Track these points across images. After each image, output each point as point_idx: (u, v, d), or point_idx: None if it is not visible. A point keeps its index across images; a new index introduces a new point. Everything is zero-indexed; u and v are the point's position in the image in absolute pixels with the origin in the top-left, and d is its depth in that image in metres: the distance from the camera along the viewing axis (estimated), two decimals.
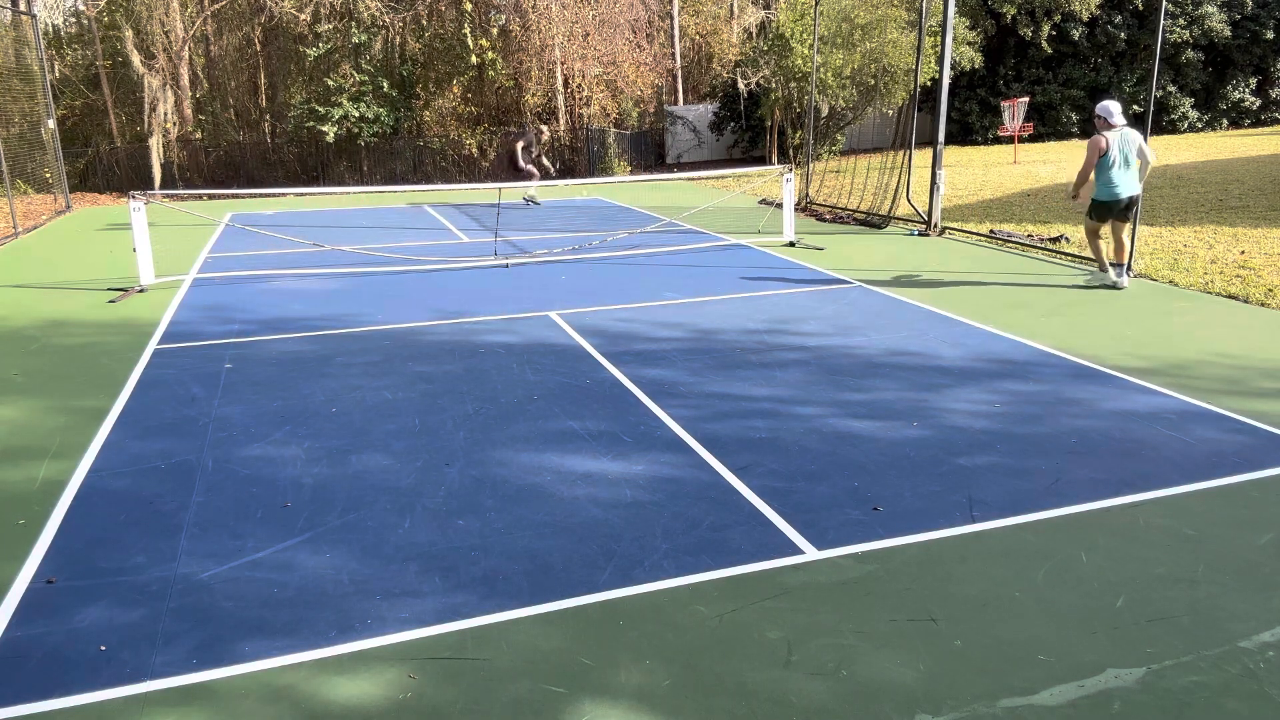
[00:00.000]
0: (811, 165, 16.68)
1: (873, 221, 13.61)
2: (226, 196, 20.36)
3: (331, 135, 23.14)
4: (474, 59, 24.58)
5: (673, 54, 28.70)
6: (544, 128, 19.31)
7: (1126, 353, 6.84)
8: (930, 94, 20.63)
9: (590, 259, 11.21)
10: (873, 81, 22.15)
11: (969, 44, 25.07)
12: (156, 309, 8.95)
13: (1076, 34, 28.38)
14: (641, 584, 3.77)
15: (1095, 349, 6.94)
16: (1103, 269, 8.91)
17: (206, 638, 3.45)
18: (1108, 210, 8.64)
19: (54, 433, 5.64)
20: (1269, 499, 4.44)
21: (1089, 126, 29.63)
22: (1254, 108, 31.20)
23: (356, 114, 23.40)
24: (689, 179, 21.20)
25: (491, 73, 25.17)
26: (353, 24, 24.37)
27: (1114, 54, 29.26)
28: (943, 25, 12.32)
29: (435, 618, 3.56)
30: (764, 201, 16.46)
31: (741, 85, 25.58)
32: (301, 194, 19.63)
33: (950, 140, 26.82)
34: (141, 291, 9.74)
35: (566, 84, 26.20)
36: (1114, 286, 8.84)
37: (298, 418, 5.77)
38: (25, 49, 17.17)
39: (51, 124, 17.57)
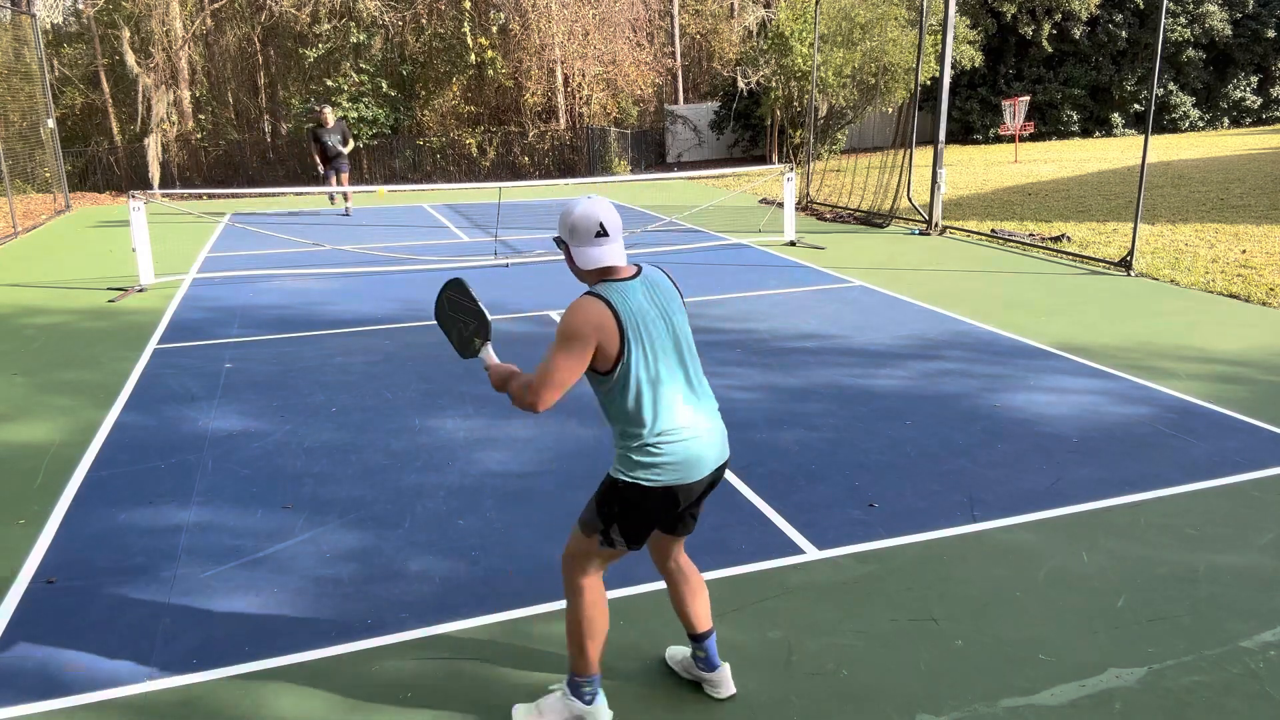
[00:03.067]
0: (812, 164, 16.67)
1: (873, 220, 13.61)
2: (226, 196, 20.36)
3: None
4: (473, 58, 24.57)
5: (673, 53, 28.69)
6: (325, 109, 15.42)
7: (1127, 352, 6.84)
8: (931, 93, 20.62)
9: None
10: (873, 80, 22.14)
11: (970, 43, 25.07)
12: (156, 308, 8.95)
13: (1077, 33, 28.37)
14: (642, 584, 3.76)
15: (1096, 348, 6.94)
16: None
17: (206, 638, 3.45)
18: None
19: (53, 432, 5.63)
20: (1270, 499, 4.43)
21: (1090, 125, 29.65)
22: (1255, 106, 31.19)
23: (355, 115, 23.39)
24: (689, 178, 21.19)
25: (491, 72, 25.16)
26: (352, 23, 24.36)
27: (1115, 53, 29.24)
28: (943, 24, 12.32)
29: (435, 617, 3.55)
30: (764, 200, 16.45)
31: (742, 84, 25.56)
32: (301, 193, 19.62)
33: (951, 139, 26.81)
34: (141, 291, 9.74)
35: (566, 83, 26.20)
36: None
37: (298, 418, 5.77)
38: (25, 48, 17.16)
39: (51, 123, 17.57)
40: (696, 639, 3.10)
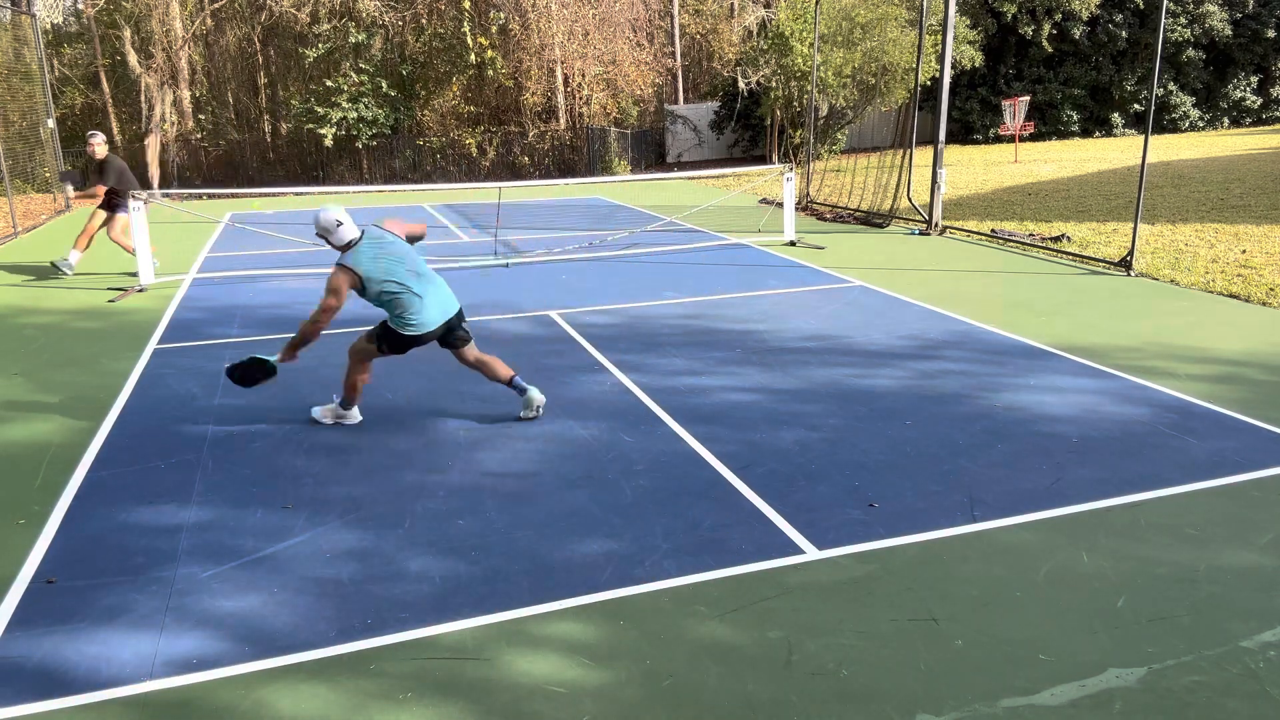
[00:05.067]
0: (812, 164, 16.67)
1: (873, 220, 13.61)
2: (226, 196, 20.36)
3: (330, 138, 23.14)
4: (473, 58, 24.57)
5: (673, 53, 28.69)
6: (95, 139, 10.30)
7: (1127, 352, 6.84)
8: (931, 93, 20.62)
9: (591, 258, 11.21)
10: (873, 80, 22.13)
11: (970, 43, 25.06)
12: (156, 308, 8.95)
13: (1077, 33, 28.37)
14: (642, 584, 3.77)
15: (1096, 348, 6.94)
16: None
17: (206, 638, 3.45)
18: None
19: (53, 433, 5.63)
20: (1269, 499, 4.43)
21: (1090, 125, 29.65)
22: (1255, 106, 31.20)
23: (355, 115, 23.38)
24: (689, 178, 21.20)
25: (491, 72, 25.16)
26: (352, 23, 24.35)
27: (1115, 53, 29.24)
28: (943, 24, 12.32)
29: (435, 617, 3.56)
30: (764, 200, 16.45)
31: (742, 84, 25.56)
32: (301, 193, 19.63)
33: (951, 139, 26.82)
34: (141, 291, 9.74)
35: (566, 83, 26.20)
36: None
37: (297, 418, 5.77)
38: (25, 48, 17.17)
39: (51, 123, 17.57)
40: (509, 384, 5.48)
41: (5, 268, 11.42)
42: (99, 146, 10.31)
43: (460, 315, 5.36)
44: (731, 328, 7.76)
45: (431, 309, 5.20)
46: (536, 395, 5.46)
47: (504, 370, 5.47)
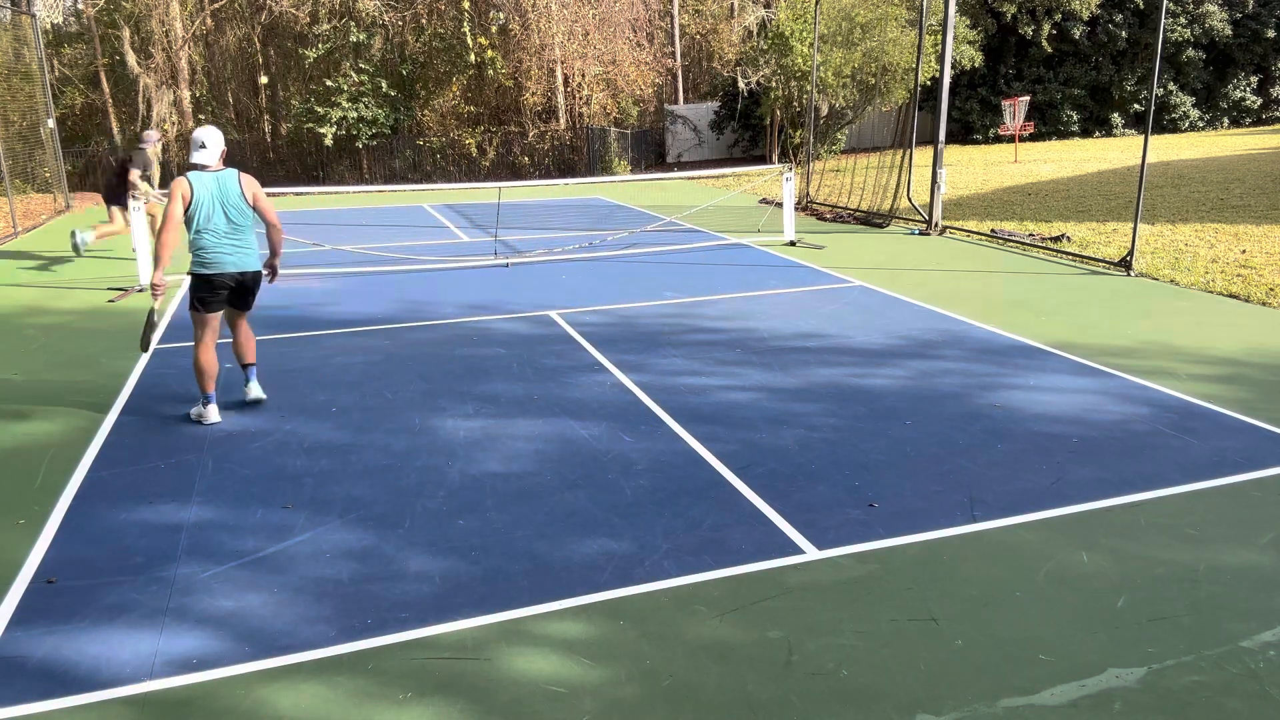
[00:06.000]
0: (812, 164, 16.67)
1: (873, 220, 13.61)
2: None
3: (330, 137, 23.14)
4: (473, 58, 24.58)
5: (673, 53, 28.69)
6: (151, 137, 11.42)
7: (1127, 352, 6.84)
8: (931, 93, 20.62)
9: (590, 258, 11.21)
10: (873, 80, 22.13)
11: (969, 43, 25.07)
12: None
13: (1077, 33, 28.37)
14: (642, 584, 3.77)
15: (1096, 348, 6.94)
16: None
17: (206, 638, 3.45)
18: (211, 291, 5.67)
19: (53, 432, 5.63)
20: (1269, 499, 4.43)
21: (1089, 125, 29.67)
22: (1255, 106, 31.20)
23: (355, 115, 23.38)
24: (689, 178, 21.20)
25: (491, 72, 25.16)
26: (352, 23, 24.36)
27: (1115, 53, 29.25)
28: (943, 24, 12.32)
29: (435, 617, 3.56)
30: (764, 201, 16.45)
31: (742, 84, 25.56)
32: (301, 193, 19.62)
33: (951, 139, 26.82)
34: (141, 291, 9.74)
35: (566, 83, 26.20)
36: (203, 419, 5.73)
37: (298, 417, 5.77)
38: (25, 48, 17.17)
39: (51, 123, 17.57)
40: (244, 367, 5.95)
41: (5, 268, 11.42)
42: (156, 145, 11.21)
43: (257, 278, 5.78)
44: (731, 328, 7.76)
45: (228, 254, 5.60)
46: (257, 390, 5.97)
47: (251, 355, 5.99)
